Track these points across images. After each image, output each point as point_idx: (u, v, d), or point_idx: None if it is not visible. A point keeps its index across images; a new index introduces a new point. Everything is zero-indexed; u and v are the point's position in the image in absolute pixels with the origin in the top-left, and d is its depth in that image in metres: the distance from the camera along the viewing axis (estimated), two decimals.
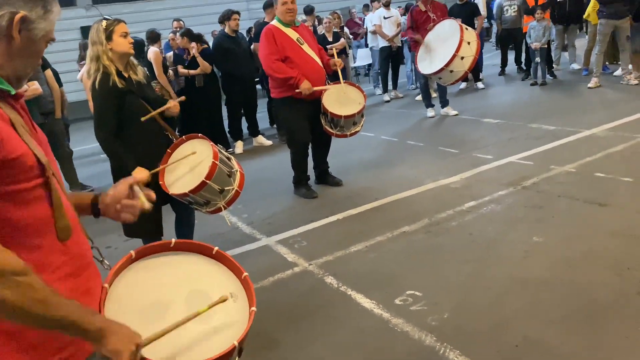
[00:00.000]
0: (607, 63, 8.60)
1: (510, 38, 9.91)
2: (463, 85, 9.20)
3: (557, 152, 5.15)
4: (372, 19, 9.25)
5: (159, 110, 3.06)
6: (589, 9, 8.60)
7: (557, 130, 5.85)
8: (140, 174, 2.86)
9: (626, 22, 7.48)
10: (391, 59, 9.23)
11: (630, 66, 7.73)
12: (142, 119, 2.96)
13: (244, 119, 7.32)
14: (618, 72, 8.25)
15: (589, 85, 7.80)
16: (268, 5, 6.93)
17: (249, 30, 8.44)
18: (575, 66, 9.45)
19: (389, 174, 5.21)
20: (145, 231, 3.12)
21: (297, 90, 4.48)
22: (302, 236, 3.98)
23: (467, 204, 4.14)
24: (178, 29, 7.48)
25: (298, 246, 3.81)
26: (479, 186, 4.51)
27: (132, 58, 3.06)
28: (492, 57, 11.92)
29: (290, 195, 4.96)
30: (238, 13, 6.84)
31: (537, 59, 8.56)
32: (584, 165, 4.64)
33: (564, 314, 2.57)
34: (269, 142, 7.28)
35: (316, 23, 9.34)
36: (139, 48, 6.02)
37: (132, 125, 2.97)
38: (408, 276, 3.15)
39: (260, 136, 7.38)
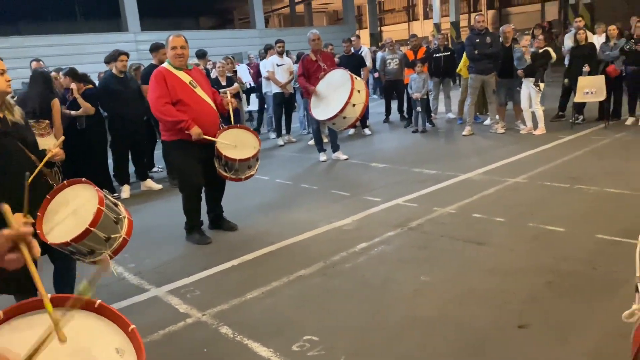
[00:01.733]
0: (478, 113, 9.52)
1: (393, 88, 10.64)
2: (352, 131, 9.64)
3: (438, 194, 5.53)
4: (266, 66, 9.46)
5: (43, 162, 2.83)
6: (461, 64, 9.53)
7: (437, 174, 6.30)
8: (20, 223, 2.59)
9: (492, 78, 8.38)
10: (284, 104, 9.45)
11: (497, 116, 8.62)
12: (28, 181, 2.67)
13: (131, 162, 7.01)
14: (487, 122, 9.15)
15: (464, 133, 8.56)
16: (154, 49, 6.79)
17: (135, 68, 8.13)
18: (451, 115, 10.34)
19: (284, 218, 5.23)
20: (17, 287, 2.81)
21: (187, 132, 4.41)
22: (195, 285, 3.83)
23: (359, 245, 4.26)
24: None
25: (190, 296, 3.65)
26: (370, 228, 4.68)
27: (8, 97, 2.82)
28: (377, 106, 12.67)
29: (182, 242, 4.78)
30: (126, 54, 6.63)
31: (418, 108, 9.25)
32: (462, 206, 5.02)
33: (453, 350, 2.70)
34: (159, 186, 7.01)
35: (209, 67, 9.34)
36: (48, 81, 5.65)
37: (7, 170, 2.71)
38: (305, 321, 3.14)
39: (149, 180, 7.09)
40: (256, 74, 10.84)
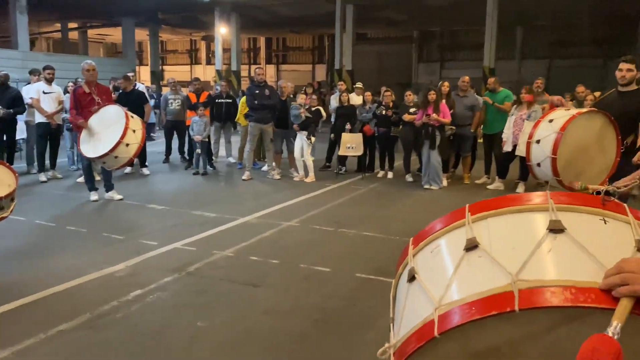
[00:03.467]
0: (256, 159, 9.98)
1: (174, 128, 10.51)
2: (128, 169, 9.16)
3: (218, 237, 5.58)
4: (29, 92, 8.45)
5: None
6: (239, 113, 9.95)
7: (217, 217, 6.36)
8: None
9: (270, 127, 8.94)
10: (50, 136, 8.52)
11: (273, 164, 9.17)
12: None
13: None
14: (265, 168, 9.65)
15: (243, 177, 8.87)
16: None
17: None
18: (232, 160, 10.63)
19: (44, 264, 4.63)
20: None
21: None
22: None
23: (132, 293, 4.02)
24: None
25: None
26: (145, 273, 4.46)
27: None
28: (157, 145, 12.31)
29: None
30: None
31: (199, 151, 9.29)
32: (240, 249, 5.16)
33: None
34: None
35: None
36: None
37: None
38: None
39: None
40: None
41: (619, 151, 4.06)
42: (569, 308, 0.91)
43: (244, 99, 9.99)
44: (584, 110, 4.32)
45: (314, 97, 9.23)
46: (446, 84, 8.67)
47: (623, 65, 4.30)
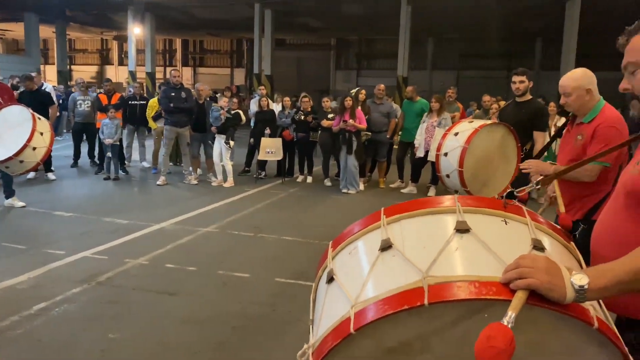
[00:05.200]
0: (171, 164, 9.68)
1: (83, 131, 9.96)
2: (32, 175, 8.54)
3: (130, 245, 5.35)
4: None
5: None
6: (148, 116, 9.59)
7: (130, 224, 6.10)
8: None
9: (187, 131, 8.71)
10: None
11: (190, 168, 8.94)
12: None
13: None
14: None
15: (158, 182, 8.57)
16: None
17: None
18: (146, 164, 10.24)
19: None
20: None
21: None
22: None
23: (36, 306, 3.75)
24: None
25: None
26: (51, 285, 4.18)
27: None
28: (64, 148, 11.60)
29: None
30: None
31: (109, 154, 8.86)
32: (155, 257, 4.98)
33: None
34: None
35: None
36: None
37: None
38: None
39: None
40: None
41: (519, 157, 4.37)
42: (473, 301, 0.97)
43: (151, 101, 9.69)
44: (487, 122, 4.60)
45: (235, 100, 9.11)
46: (363, 91, 8.91)
47: (515, 78, 4.64)
